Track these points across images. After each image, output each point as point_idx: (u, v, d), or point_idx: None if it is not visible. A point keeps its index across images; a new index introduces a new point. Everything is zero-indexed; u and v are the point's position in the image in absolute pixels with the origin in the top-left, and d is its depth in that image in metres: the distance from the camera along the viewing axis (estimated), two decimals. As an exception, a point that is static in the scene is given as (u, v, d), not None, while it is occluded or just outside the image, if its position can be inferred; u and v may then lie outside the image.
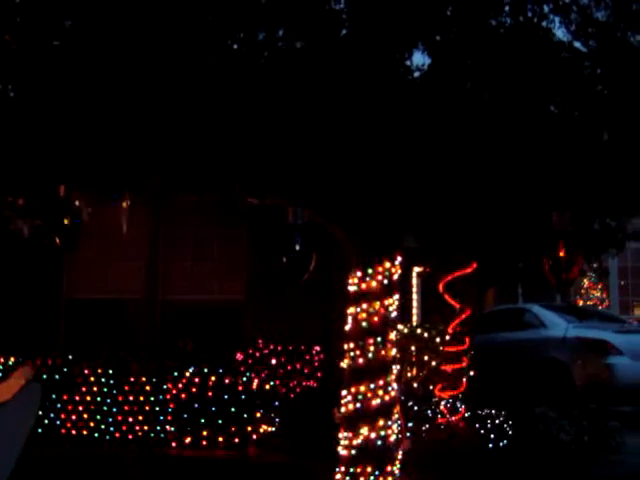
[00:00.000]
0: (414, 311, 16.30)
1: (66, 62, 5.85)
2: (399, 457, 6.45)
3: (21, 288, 12.11)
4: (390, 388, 6.36)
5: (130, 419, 9.78)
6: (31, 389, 5.56)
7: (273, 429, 9.83)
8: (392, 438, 6.34)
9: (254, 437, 9.62)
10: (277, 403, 10.15)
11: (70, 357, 10.27)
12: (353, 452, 6.25)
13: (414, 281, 16.46)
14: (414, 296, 16.49)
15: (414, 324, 13.98)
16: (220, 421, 9.61)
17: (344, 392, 6.35)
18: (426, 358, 11.41)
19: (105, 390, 9.91)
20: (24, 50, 5.84)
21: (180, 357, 11.05)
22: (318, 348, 11.90)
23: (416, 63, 7.32)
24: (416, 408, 9.68)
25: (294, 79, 6.33)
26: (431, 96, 6.98)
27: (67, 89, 5.94)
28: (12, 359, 10.22)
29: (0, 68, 5.95)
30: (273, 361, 11.81)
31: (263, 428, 9.73)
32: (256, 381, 10.18)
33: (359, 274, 6.33)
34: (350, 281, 6.40)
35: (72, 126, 6.15)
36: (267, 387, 10.39)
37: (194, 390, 9.77)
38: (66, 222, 8.69)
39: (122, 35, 5.86)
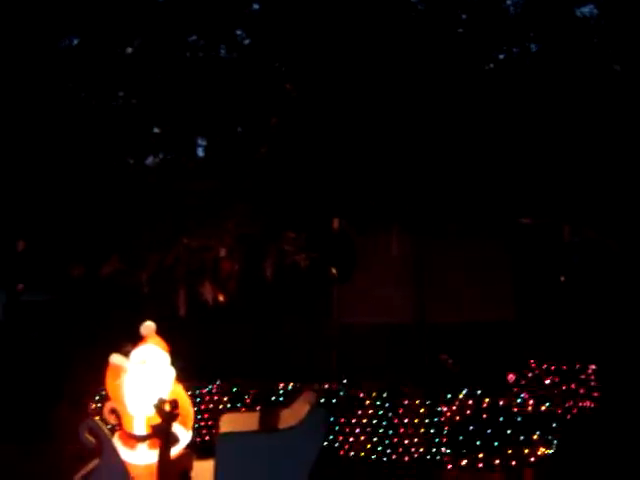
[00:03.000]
0: None
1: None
2: None
3: (298, 316, 12.67)
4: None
5: (406, 441, 9.88)
6: (317, 414, 5.76)
7: (551, 451, 9.49)
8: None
9: (531, 460, 9.34)
10: (555, 425, 9.79)
11: (345, 381, 10.58)
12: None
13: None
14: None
15: None
16: (496, 443, 9.43)
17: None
18: None
19: (380, 413, 10.09)
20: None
21: (449, 379, 11.04)
22: (594, 367, 11.40)
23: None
24: None
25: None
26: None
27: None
28: (291, 384, 10.70)
29: (281, 114, 6.33)
30: (547, 381, 11.47)
31: (541, 450, 9.43)
32: (531, 402, 9.91)
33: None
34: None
35: (351, 165, 6.39)
36: (543, 408, 10.07)
37: (468, 412, 9.68)
38: (342, 254, 8.97)
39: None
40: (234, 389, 10.63)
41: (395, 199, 6.77)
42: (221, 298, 10.63)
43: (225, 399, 10.53)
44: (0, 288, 13.68)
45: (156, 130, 11.21)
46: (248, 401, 10.43)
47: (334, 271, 9.15)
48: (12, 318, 14.25)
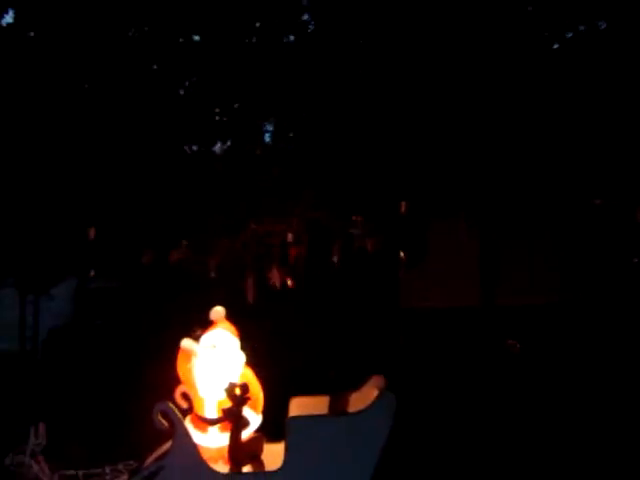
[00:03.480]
0: None
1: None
2: None
3: (361, 299, 12.66)
4: None
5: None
6: (386, 398, 5.74)
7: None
8: None
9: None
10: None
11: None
12: None
13: None
14: None
15: None
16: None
17: None
18: None
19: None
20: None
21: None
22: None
23: None
24: None
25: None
26: None
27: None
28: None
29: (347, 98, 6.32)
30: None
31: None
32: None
33: None
34: None
35: (419, 151, 6.37)
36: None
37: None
38: (413, 239, 8.90)
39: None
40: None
41: (463, 185, 6.72)
42: (289, 283, 10.69)
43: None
44: (72, 275, 13.98)
45: (223, 117, 11.32)
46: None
47: (403, 255, 9.08)
48: (82, 305, 14.55)
